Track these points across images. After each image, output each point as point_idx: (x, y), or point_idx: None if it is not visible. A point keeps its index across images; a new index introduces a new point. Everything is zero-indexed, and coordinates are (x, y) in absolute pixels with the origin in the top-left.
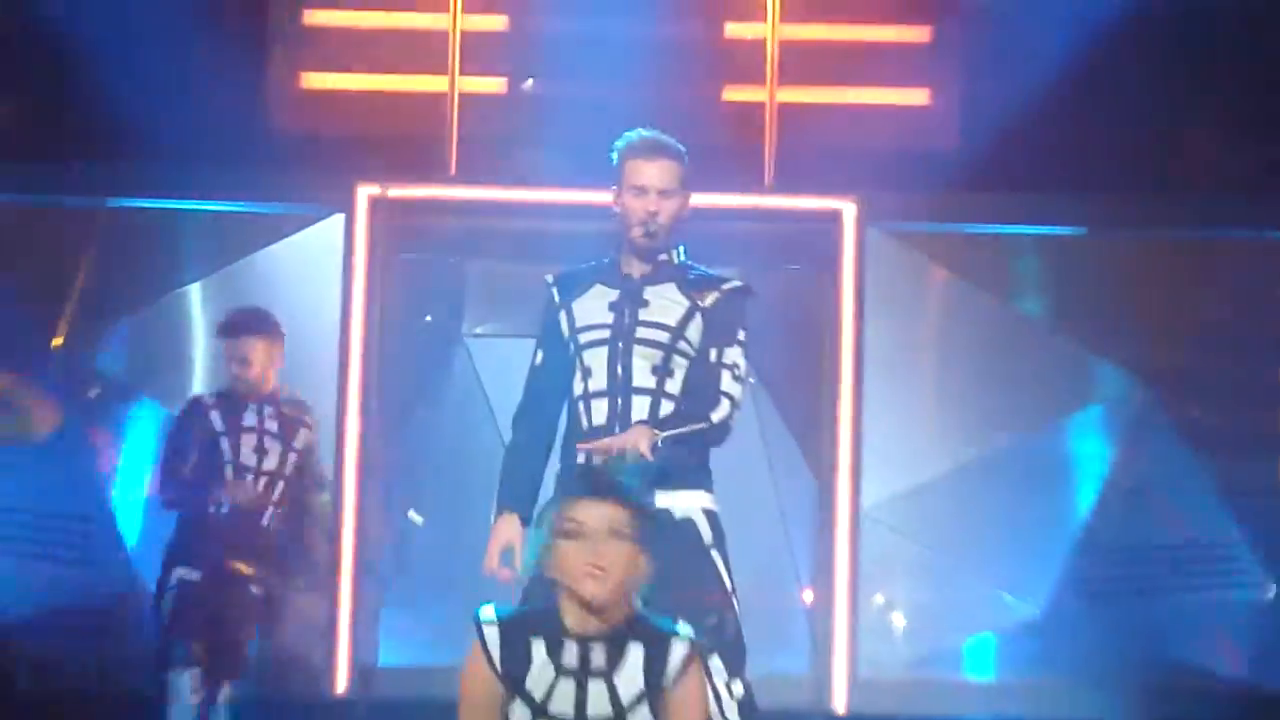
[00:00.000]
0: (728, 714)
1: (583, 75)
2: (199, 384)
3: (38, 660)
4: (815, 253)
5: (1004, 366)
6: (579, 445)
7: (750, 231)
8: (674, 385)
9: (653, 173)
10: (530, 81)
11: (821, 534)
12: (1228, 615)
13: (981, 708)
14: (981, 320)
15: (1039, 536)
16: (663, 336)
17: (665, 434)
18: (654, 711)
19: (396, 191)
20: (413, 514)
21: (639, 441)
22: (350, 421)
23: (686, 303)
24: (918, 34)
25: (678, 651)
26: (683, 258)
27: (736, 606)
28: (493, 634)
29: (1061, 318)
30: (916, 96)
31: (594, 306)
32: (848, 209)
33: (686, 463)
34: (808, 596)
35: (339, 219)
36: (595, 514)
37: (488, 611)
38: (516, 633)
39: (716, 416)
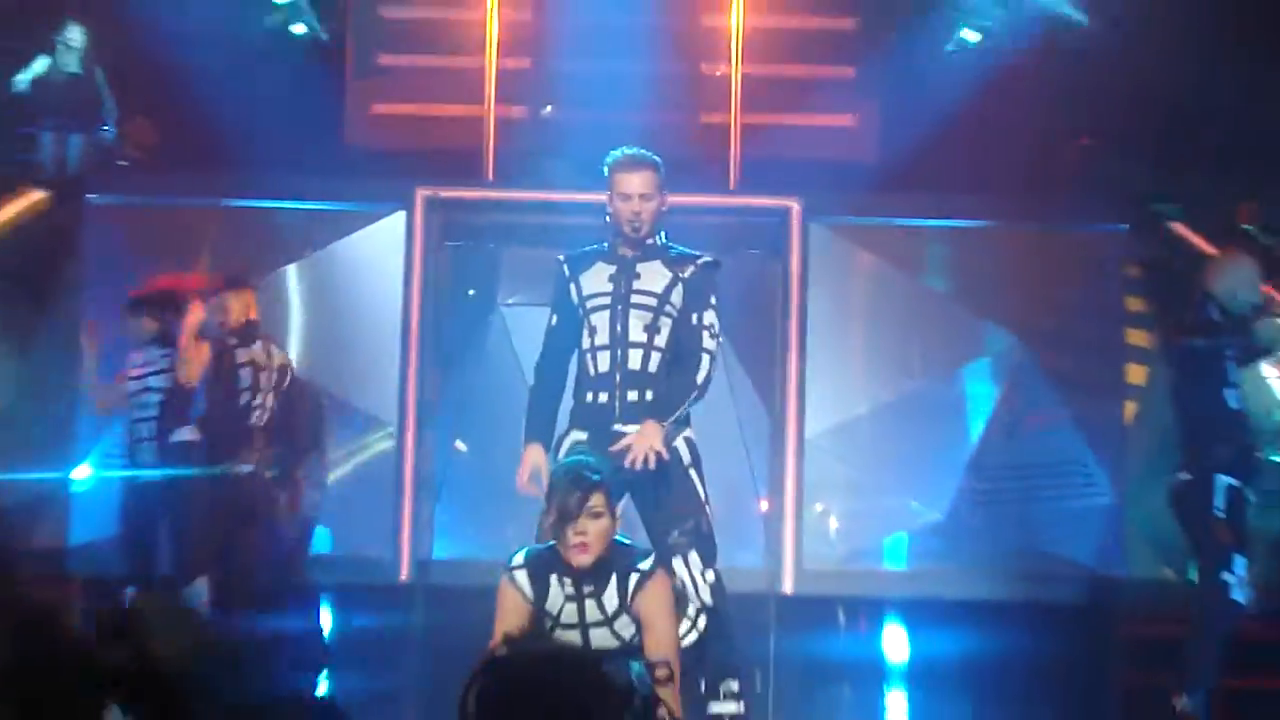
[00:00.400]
0: (702, 595)
1: (590, 103)
2: (294, 342)
3: None
4: (769, 240)
5: (915, 328)
6: (611, 449)
7: (719, 223)
8: (661, 340)
9: (634, 182)
10: (549, 108)
11: (774, 458)
12: (1082, 517)
13: (897, 590)
14: (897, 292)
15: (941, 458)
16: (651, 301)
17: (670, 420)
18: (631, 618)
19: (446, 193)
20: (458, 443)
21: (654, 442)
22: (410, 369)
23: (670, 274)
24: (845, 72)
25: (634, 579)
26: (664, 240)
27: (709, 513)
28: (522, 575)
29: (958, 290)
30: (845, 120)
31: (597, 279)
32: (794, 206)
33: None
34: (763, 506)
35: (401, 215)
36: (578, 500)
37: (517, 558)
38: (538, 570)
39: (700, 377)
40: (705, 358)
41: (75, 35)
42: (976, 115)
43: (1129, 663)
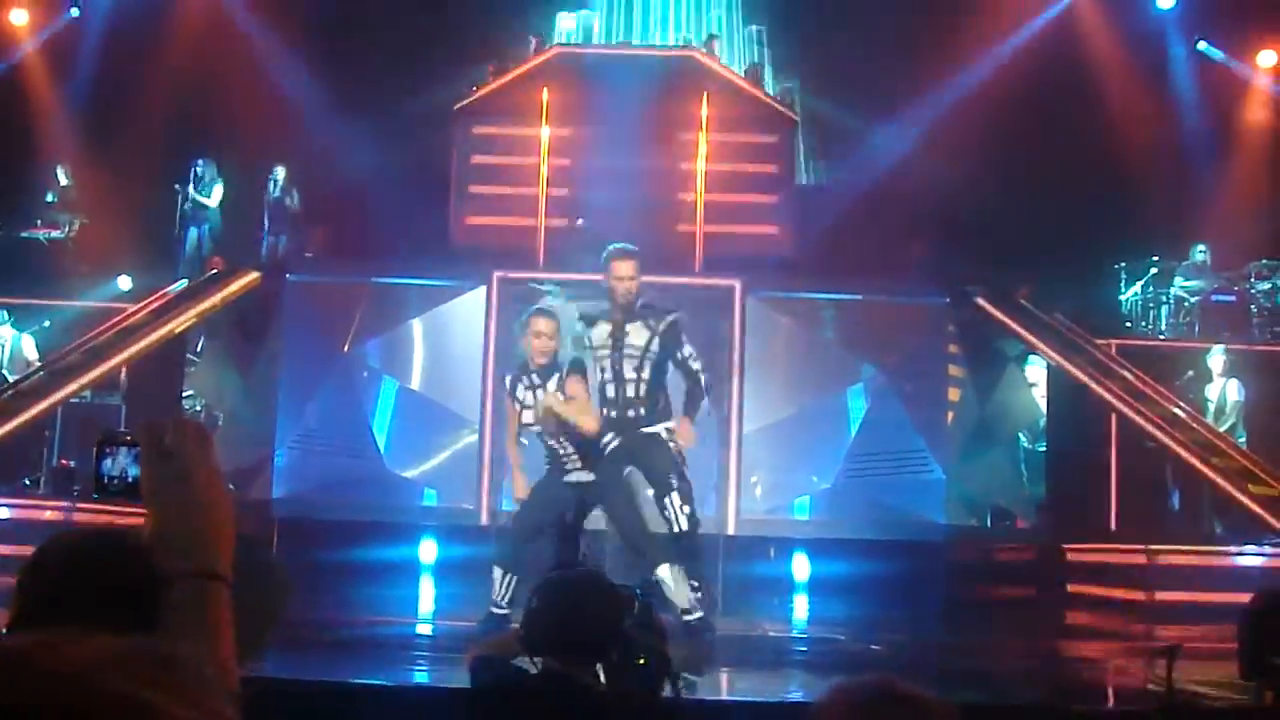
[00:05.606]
0: (681, 522)
1: (605, 218)
2: (417, 368)
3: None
4: (722, 305)
5: (813, 363)
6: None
7: (691, 294)
8: (645, 375)
9: (623, 268)
10: (580, 220)
11: (723, 446)
12: (918, 485)
13: (801, 532)
14: (801, 340)
15: (830, 447)
16: (636, 351)
17: (694, 417)
18: None
19: (512, 275)
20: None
21: (691, 437)
22: (488, 387)
23: (648, 332)
24: (770, 199)
25: None
26: (640, 304)
27: (686, 476)
28: None
29: (840, 339)
30: (769, 229)
31: (600, 333)
32: (737, 284)
33: (664, 413)
34: (719, 475)
35: (483, 289)
36: None
37: None
38: None
39: (702, 384)
40: (697, 372)
41: (280, 173)
42: (851, 227)
43: (946, 574)
